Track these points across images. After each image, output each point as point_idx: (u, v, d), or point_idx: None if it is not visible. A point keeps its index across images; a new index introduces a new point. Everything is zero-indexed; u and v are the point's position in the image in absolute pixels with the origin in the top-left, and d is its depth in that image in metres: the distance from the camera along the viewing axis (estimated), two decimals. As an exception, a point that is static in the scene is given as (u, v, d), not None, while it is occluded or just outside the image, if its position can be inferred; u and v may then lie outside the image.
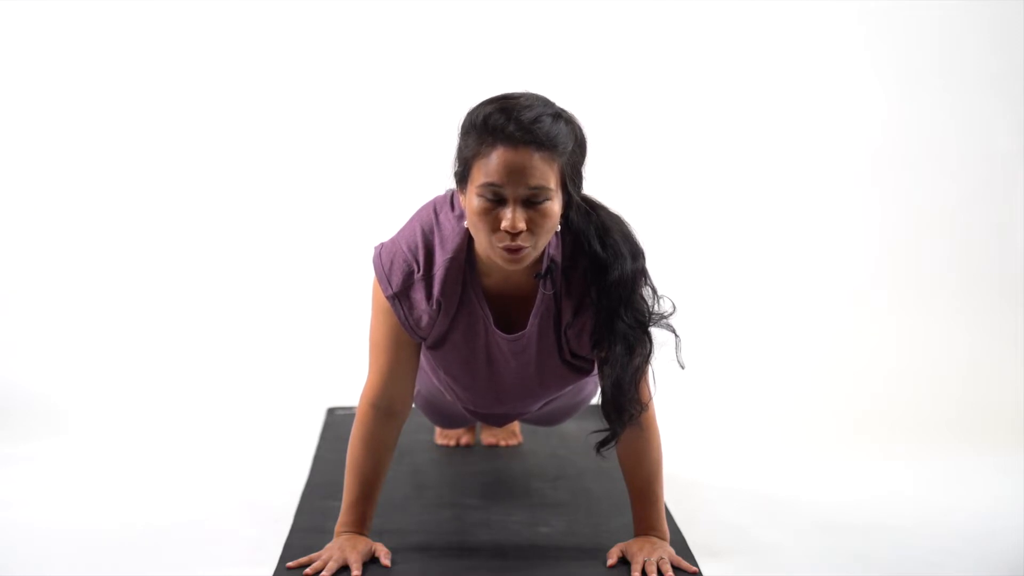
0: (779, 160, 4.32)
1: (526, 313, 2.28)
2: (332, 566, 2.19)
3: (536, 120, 2.06)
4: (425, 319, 2.24)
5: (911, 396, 3.87)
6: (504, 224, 2.07)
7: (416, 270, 2.21)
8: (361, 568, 2.19)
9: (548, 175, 2.07)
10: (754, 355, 4.12)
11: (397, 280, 2.22)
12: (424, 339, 2.28)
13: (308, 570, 2.19)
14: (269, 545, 2.45)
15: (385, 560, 2.23)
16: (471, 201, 2.10)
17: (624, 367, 2.18)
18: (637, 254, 2.21)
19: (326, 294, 4.22)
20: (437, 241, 2.22)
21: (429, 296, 2.22)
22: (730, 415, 3.78)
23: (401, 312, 2.23)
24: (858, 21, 4.29)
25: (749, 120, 4.31)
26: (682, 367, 2.24)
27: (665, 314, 2.22)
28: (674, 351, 2.24)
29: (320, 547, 2.27)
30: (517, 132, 2.05)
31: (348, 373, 3.25)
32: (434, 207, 2.28)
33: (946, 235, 4.28)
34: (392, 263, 2.23)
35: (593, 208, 2.24)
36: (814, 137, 4.31)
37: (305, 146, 4.31)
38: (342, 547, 2.23)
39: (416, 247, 2.22)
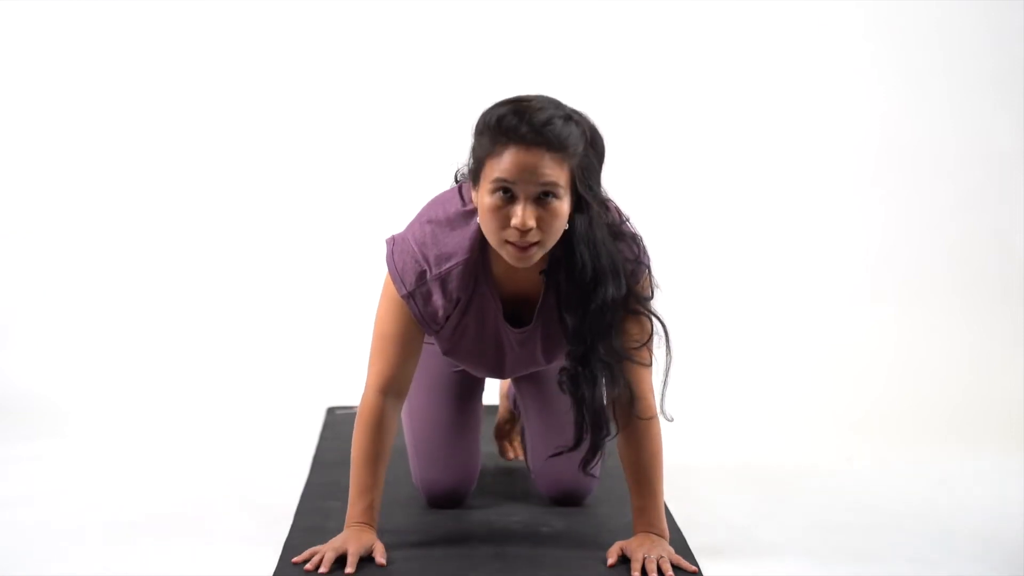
0: (780, 160, 4.32)
1: (533, 306, 2.34)
2: (330, 556, 2.20)
3: (548, 122, 2.12)
4: (440, 312, 2.31)
5: (911, 396, 3.87)
6: (514, 221, 2.13)
7: (428, 271, 2.28)
8: (355, 565, 2.19)
9: (558, 174, 2.13)
10: (755, 355, 4.12)
11: (411, 280, 2.29)
12: (437, 331, 2.34)
13: (308, 565, 2.20)
14: (269, 545, 2.45)
15: (380, 558, 2.23)
16: (483, 198, 2.17)
17: (589, 400, 2.23)
18: (620, 284, 2.21)
19: (326, 294, 4.22)
20: (448, 239, 2.28)
21: (446, 293, 2.29)
22: (731, 415, 3.78)
23: (416, 309, 2.30)
24: (858, 21, 4.29)
25: (750, 120, 4.31)
26: (669, 419, 2.28)
27: (628, 350, 2.23)
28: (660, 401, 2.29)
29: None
30: (529, 133, 2.11)
31: (348, 373, 3.25)
32: (443, 202, 2.33)
33: (946, 235, 4.28)
34: (405, 264, 2.29)
35: (593, 220, 2.21)
36: (814, 137, 4.31)
37: (306, 147, 4.31)
38: (345, 539, 2.25)
39: (426, 246, 2.28)
